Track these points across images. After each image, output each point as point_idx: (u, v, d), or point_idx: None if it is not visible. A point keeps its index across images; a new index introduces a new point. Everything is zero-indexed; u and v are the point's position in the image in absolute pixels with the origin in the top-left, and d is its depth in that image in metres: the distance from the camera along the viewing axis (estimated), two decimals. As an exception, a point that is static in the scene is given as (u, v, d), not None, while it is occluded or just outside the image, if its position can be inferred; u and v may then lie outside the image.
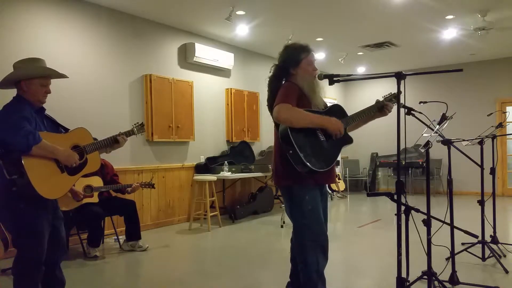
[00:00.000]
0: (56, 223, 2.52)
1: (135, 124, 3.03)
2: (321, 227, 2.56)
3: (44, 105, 2.55)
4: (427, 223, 2.70)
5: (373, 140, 10.31)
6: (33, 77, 2.41)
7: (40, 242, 2.36)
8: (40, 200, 2.30)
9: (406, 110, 2.71)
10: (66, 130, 2.58)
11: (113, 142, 2.74)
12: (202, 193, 5.94)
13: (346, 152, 10.63)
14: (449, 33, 6.78)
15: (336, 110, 2.64)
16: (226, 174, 6.13)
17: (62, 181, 2.41)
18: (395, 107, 2.62)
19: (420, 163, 8.79)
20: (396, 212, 2.34)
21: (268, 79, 2.75)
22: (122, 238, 4.76)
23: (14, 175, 2.22)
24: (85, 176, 4.23)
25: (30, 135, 2.20)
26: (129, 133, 2.90)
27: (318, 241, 2.54)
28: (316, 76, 2.59)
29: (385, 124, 9.79)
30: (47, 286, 2.52)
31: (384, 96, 2.78)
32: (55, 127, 2.57)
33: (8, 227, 2.38)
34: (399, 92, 2.33)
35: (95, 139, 2.70)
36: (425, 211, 2.69)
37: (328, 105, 2.74)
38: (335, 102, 10.26)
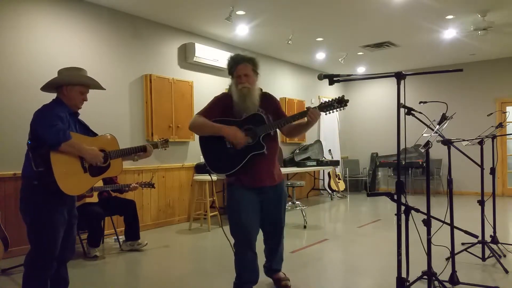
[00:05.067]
0: (72, 220, 2.60)
1: (160, 139, 3.25)
2: (239, 224, 2.82)
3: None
4: (427, 223, 2.70)
5: (373, 140, 10.32)
6: (75, 84, 2.61)
7: (54, 237, 2.43)
8: (60, 196, 2.40)
9: (406, 110, 2.72)
10: (95, 135, 2.75)
11: (140, 151, 2.92)
12: (202, 193, 5.94)
13: (346, 152, 10.65)
14: (449, 33, 6.78)
15: (254, 119, 2.81)
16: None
17: (83, 180, 2.54)
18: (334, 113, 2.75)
19: (420, 163, 8.79)
20: (396, 212, 2.35)
21: None
22: (122, 238, 4.76)
23: (40, 167, 2.36)
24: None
25: (61, 132, 2.38)
26: (153, 146, 3.10)
27: (236, 236, 2.85)
28: (241, 87, 2.82)
29: (385, 124, 9.89)
30: (51, 284, 2.55)
31: (322, 102, 2.82)
32: (86, 131, 2.73)
33: (26, 220, 2.47)
34: (399, 92, 2.33)
35: None
36: (425, 211, 2.69)
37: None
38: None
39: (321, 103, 2.81)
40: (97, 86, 2.75)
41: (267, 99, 2.99)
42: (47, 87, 2.63)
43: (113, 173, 2.76)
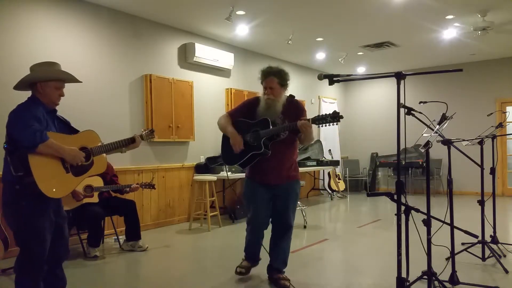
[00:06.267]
0: (60, 221, 2.54)
1: (144, 130, 3.14)
2: (252, 211, 3.33)
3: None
4: (427, 223, 2.70)
5: (373, 140, 10.32)
6: (49, 79, 2.50)
7: (41, 240, 2.38)
8: (43, 198, 2.33)
9: (406, 110, 2.72)
10: (77, 131, 2.64)
11: (126, 144, 2.85)
12: (202, 193, 5.94)
13: (346, 152, 10.65)
14: (449, 33, 6.78)
15: (262, 123, 3.17)
16: (226, 174, 6.13)
17: (67, 181, 2.45)
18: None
19: (420, 163, 8.79)
20: (396, 212, 2.35)
21: None
22: (122, 238, 4.76)
23: (19, 172, 2.27)
24: (86, 176, 4.25)
25: (38, 133, 2.27)
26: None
27: (248, 221, 3.42)
28: (266, 98, 3.21)
29: (385, 124, 9.89)
30: (48, 285, 2.52)
31: (317, 115, 3.00)
32: (66, 128, 2.63)
33: (11, 225, 2.41)
34: (399, 92, 2.33)
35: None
36: (425, 211, 2.69)
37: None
38: (335, 102, 10.29)
39: (316, 116, 3.00)
40: (73, 79, 2.63)
41: (291, 106, 3.27)
42: (20, 86, 2.53)
43: (97, 171, 2.64)
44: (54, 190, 2.35)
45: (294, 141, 3.30)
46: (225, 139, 3.36)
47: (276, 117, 3.18)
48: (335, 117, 2.90)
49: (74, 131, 2.63)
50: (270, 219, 3.41)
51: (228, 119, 3.32)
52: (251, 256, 3.53)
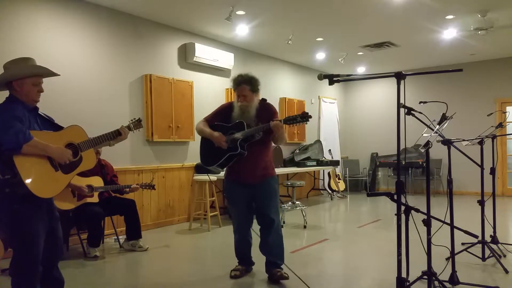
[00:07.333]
0: (53, 223, 2.50)
1: (131, 120, 3.00)
2: (234, 210, 3.57)
3: (44, 105, 2.55)
4: (427, 223, 2.70)
5: (373, 140, 10.32)
6: (24, 76, 2.38)
7: (35, 243, 2.35)
8: (35, 200, 2.28)
9: (406, 110, 2.72)
10: (61, 128, 2.55)
11: (114, 137, 2.72)
12: (202, 193, 5.94)
13: (346, 152, 10.66)
14: (449, 33, 6.78)
15: (238, 126, 3.36)
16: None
17: (56, 179, 2.38)
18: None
19: (420, 163, 8.79)
20: (396, 212, 2.35)
21: None
22: (122, 238, 4.76)
23: (7, 174, 2.21)
24: (86, 176, 4.26)
25: (20, 133, 2.19)
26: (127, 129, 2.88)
27: (233, 220, 3.64)
28: (240, 105, 3.37)
29: (385, 124, 9.89)
30: (45, 286, 2.51)
31: (288, 116, 3.23)
32: (50, 125, 2.55)
33: (4, 229, 2.37)
34: (399, 92, 2.33)
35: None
36: (425, 211, 2.69)
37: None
38: (335, 102, 10.30)
39: (287, 116, 3.25)
40: (50, 73, 2.51)
41: (263, 109, 3.44)
42: None
43: (87, 166, 2.57)
44: (44, 190, 2.29)
45: (268, 142, 3.45)
46: (202, 143, 3.51)
47: (250, 121, 3.36)
48: (304, 117, 3.14)
49: (58, 128, 2.54)
50: (255, 217, 3.54)
51: (205, 124, 3.51)
52: (243, 258, 3.64)
